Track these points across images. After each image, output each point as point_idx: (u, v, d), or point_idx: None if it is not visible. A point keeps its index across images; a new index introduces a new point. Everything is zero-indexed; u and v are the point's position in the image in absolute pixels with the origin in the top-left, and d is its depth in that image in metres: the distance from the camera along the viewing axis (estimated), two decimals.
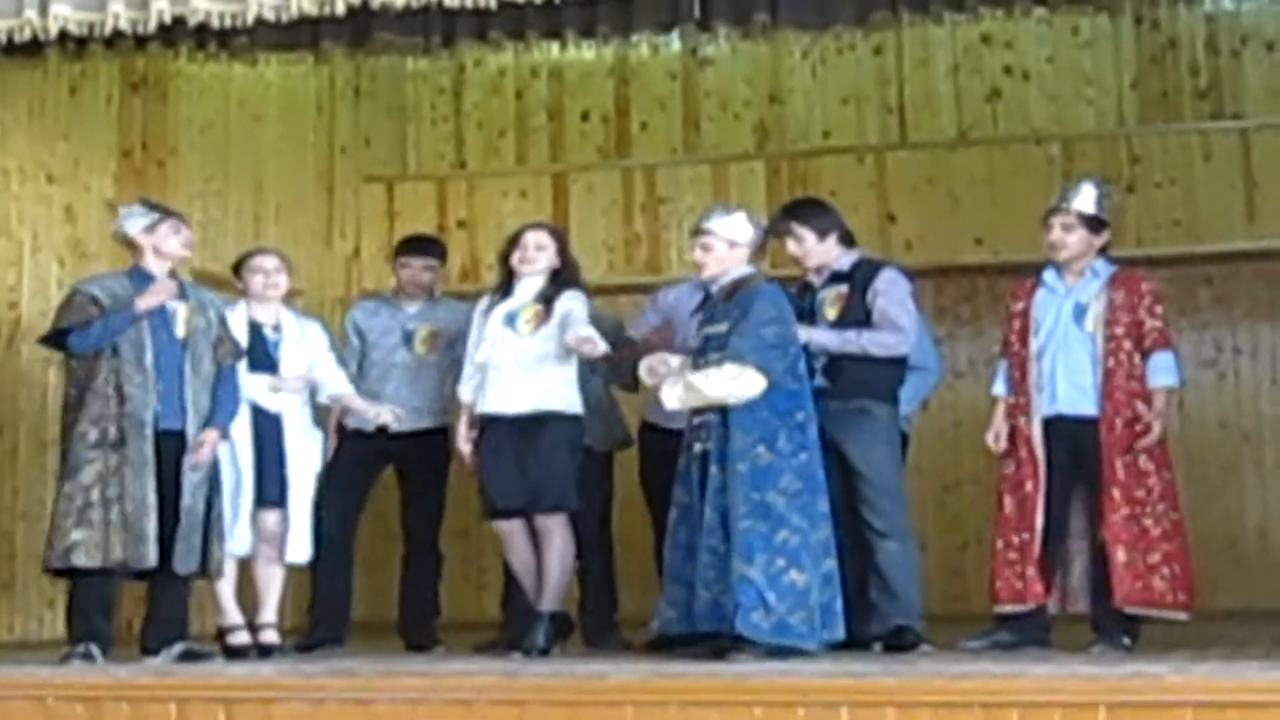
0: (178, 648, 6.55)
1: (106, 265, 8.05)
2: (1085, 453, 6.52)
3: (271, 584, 7.07)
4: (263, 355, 7.07)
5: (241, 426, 6.91)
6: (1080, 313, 6.60)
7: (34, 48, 7.27)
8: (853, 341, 6.69)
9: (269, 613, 7.04)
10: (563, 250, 6.96)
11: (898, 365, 6.82)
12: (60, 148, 8.31)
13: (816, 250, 6.89)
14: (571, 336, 6.57)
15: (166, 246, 6.79)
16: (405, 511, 7.78)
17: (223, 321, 6.87)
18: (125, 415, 6.49)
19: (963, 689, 5.03)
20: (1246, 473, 9.35)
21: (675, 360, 6.48)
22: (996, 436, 6.73)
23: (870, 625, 6.56)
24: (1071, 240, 6.65)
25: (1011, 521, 6.61)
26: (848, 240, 6.98)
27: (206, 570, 6.70)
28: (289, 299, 7.44)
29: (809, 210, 7.08)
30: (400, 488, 7.81)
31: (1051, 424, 6.59)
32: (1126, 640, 6.36)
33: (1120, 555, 6.39)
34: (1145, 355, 6.53)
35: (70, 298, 6.70)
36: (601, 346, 6.50)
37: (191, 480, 6.58)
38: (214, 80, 9.22)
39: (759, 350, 6.20)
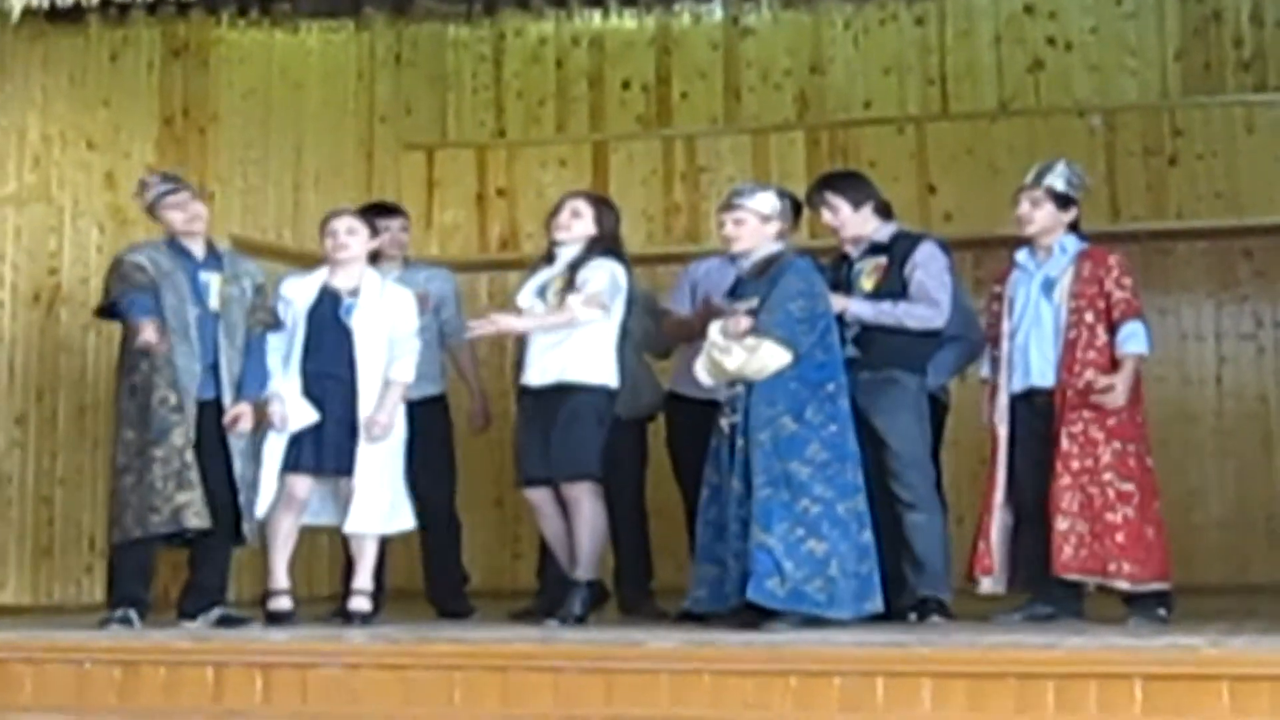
0: (215, 613, 6.58)
1: (145, 232, 8.09)
2: (1049, 423, 6.52)
3: (360, 552, 6.87)
4: (333, 321, 6.83)
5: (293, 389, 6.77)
6: (1049, 287, 6.62)
7: (75, 14, 7.31)
8: (889, 313, 6.71)
9: (361, 579, 6.83)
10: (600, 219, 6.90)
11: (930, 338, 6.83)
12: (101, 114, 8.33)
13: (852, 221, 6.90)
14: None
15: (166, 219, 6.80)
16: (416, 481, 7.75)
17: (258, 290, 6.86)
18: (177, 384, 6.53)
19: (998, 660, 5.03)
20: None
21: (746, 322, 6.32)
22: (988, 417, 6.80)
23: (903, 597, 6.58)
24: (1039, 215, 6.67)
25: (986, 498, 6.65)
26: (884, 212, 7.01)
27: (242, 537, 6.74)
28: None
29: (845, 181, 7.09)
30: (407, 458, 7.73)
31: (1024, 398, 6.61)
32: (1162, 612, 6.34)
33: (1059, 523, 6.37)
34: (1115, 326, 6.52)
35: (117, 267, 6.72)
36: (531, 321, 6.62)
37: (238, 449, 6.61)
38: (255, 47, 9.22)
39: (784, 324, 6.19)
